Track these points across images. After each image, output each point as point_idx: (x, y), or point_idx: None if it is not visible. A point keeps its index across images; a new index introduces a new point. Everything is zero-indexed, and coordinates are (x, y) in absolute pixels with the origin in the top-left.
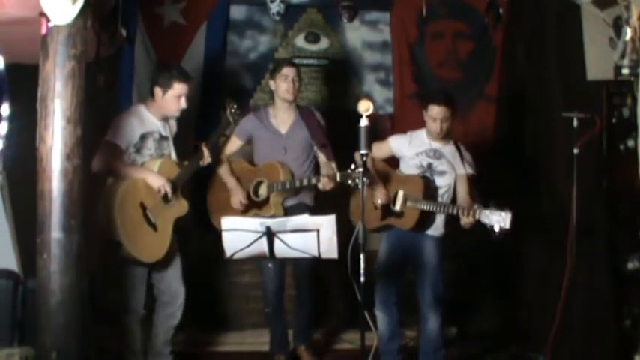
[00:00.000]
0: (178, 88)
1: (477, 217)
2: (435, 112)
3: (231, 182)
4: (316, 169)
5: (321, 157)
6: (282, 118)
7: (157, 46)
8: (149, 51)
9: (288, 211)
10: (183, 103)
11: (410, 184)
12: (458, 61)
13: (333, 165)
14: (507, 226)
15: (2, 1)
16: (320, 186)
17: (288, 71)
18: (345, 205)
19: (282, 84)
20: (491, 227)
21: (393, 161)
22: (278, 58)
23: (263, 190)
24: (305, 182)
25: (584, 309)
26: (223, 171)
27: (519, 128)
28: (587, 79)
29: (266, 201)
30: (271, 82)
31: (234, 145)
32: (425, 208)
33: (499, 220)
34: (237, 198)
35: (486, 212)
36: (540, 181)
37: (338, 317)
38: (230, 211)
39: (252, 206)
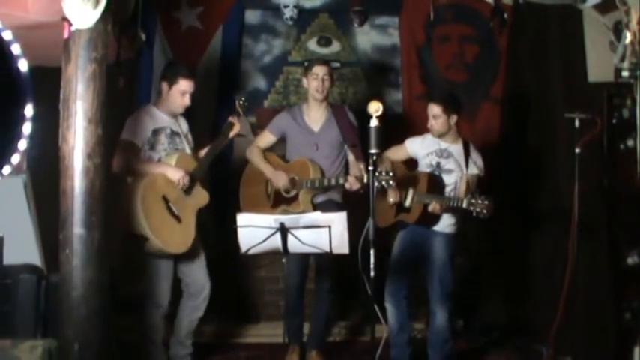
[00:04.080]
0: (184, 85)
1: (464, 205)
2: (429, 109)
3: (268, 169)
4: (347, 168)
5: (351, 157)
6: (315, 116)
7: (174, 50)
8: (167, 54)
9: (318, 208)
10: (187, 100)
11: (417, 181)
12: (464, 63)
13: (361, 166)
14: (488, 213)
15: (26, 7)
16: (347, 186)
17: (318, 70)
18: (359, 202)
19: (313, 82)
20: (477, 214)
21: (411, 164)
22: (312, 58)
23: (294, 186)
24: (333, 182)
25: (585, 303)
26: (258, 161)
27: (523, 128)
28: (588, 81)
29: (295, 197)
30: (304, 80)
31: (266, 140)
32: (428, 201)
33: (483, 207)
34: (282, 179)
35: (472, 201)
36: (543, 179)
37: (354, 311)
38: (260, 205)
39: (282, 202)
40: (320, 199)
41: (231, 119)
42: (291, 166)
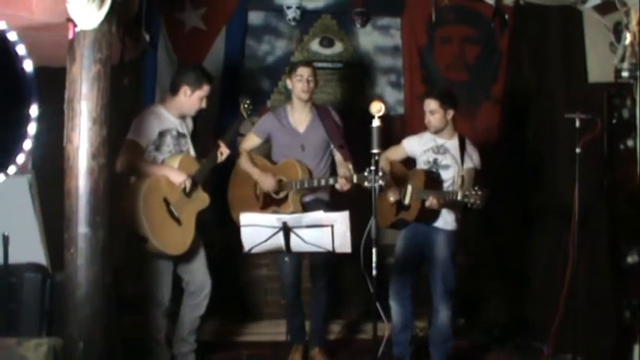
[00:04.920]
0: (206, 90)
1: (458, 198)
2: (426, 105)
3: (255, 172)
4: (333, 168)
5: (338, 157)
6: (300, 117)
7: (178, 50)
8: (171, 55)
9: (306, 207)
10: (204, 103)
11: (415, 178)
12: (465, 64)
13: (350, 165)
14: (482, 203)
15: (31, 8)
16: (337, 186)
17: (303, 71)
18: (359, 201)
19: (298, 84)
20: (471, 205)
21: (410, 163)
22: (295, 61)
23: (282, 188)
24: (323, 182)
25: (585, 301)
26: (245, 164)
27: (523, 128)
28: (588, 82)
29: (285, 198)
30: (288, 82)
31: (252, 142)
32: (426, 197)
33: (476, 197)
34: (269, 182)
35: (466, 192)
36: (544, 178)
37: (355, 309)
38: (250, 207)
39: (272, 203)
40: (308, 198)
41: (219, 143)
42: (278, 168)
